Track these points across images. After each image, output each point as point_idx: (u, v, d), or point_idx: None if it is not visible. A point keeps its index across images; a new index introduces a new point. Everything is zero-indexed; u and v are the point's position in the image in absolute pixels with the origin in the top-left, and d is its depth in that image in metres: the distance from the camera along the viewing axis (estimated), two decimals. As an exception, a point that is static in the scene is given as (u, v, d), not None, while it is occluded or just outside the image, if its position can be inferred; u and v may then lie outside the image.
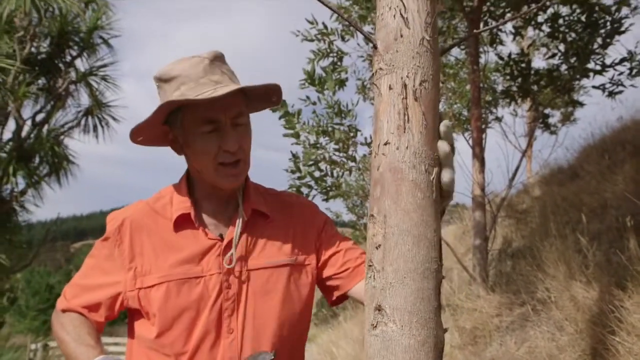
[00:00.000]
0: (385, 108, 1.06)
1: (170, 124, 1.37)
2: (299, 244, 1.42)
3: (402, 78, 1.06)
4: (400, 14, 1.09)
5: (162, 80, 1.35)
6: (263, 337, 1.32)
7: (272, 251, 1.38)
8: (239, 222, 1.37)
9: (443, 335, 1.00)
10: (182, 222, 1.36)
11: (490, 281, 5.36)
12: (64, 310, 1.39)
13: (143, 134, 1.38)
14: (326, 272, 1.43)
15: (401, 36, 1.08)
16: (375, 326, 0.97)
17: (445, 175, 1.05)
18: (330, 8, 1.26)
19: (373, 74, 1.12)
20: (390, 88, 1.06)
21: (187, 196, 1.39)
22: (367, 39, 1.15)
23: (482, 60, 6.53)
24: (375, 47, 1.12)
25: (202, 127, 1.31)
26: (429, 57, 1.08)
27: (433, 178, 1.02)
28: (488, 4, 5.89)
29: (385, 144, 1.04)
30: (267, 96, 1.43)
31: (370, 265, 1.01)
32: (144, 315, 1.34)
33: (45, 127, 7.96)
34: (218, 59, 1.37)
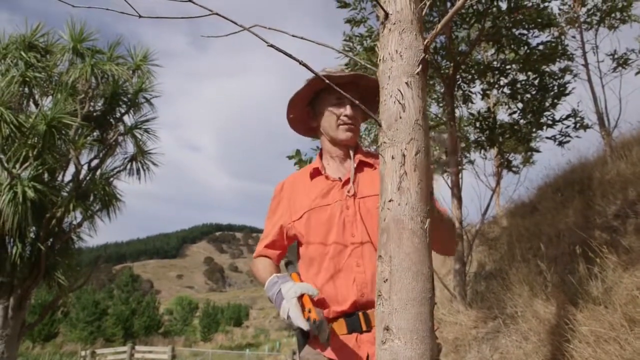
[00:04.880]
0: (389, 173, 1.15)
1: (312, 102, 1.77)
2: None
3: (401, 150, 1.15)
4: (399, 101, 1.20)
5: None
6: (373, 238, 1.57)
7: (374, 186, 1.60)
8: (352, 167, 1.68)
9: (437, 348, 1.07)
10: (314, 175, 1.73)
11: (468, 299, 5.36)
12: (255, 257, 1.78)
13: (293, 112, 1.78)
14: None
15: (400, 118, 1.18)
16: (385, 342, 1.04)
17: None
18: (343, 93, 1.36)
19: (379, 146, 1.22)
20: (392, 158, 1.16)
21: (318, 159, 1.77)
22: (375, 119, 1.26)
23: (457, 114, 6.68)
24: (380, 125, 1.22)
25: (333, 100, 1.70)
26: (422, 133, 1.18)
27: (426, 227, 1.11)
28: (460, 71, 6.07)
29: (390, 200, 1.13)
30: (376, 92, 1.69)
31: (379, 295, 1.09)
32: (300, 239, 1.68)
33: (99, 171, 8.06)
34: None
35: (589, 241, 4.02)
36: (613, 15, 9.96)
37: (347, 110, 1.69)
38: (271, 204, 1.81)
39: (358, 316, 1.53)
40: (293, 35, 1.44)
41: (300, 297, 1.47)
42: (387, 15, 1.32)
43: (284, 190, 1.78)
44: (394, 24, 1.30)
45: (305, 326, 1.41)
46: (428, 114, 1.87)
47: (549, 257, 4.53)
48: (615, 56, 9.70)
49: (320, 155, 1.81)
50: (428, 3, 1.39)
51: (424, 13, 1.37)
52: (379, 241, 1.13)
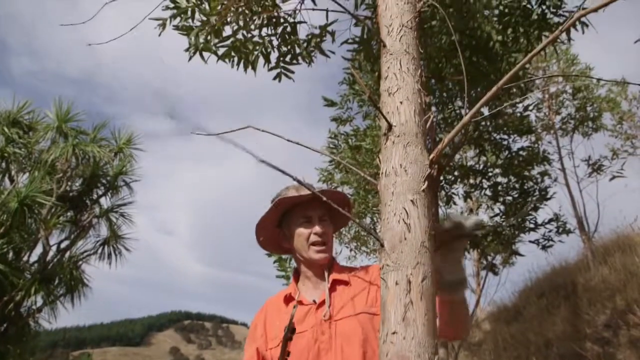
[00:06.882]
0: (392, 300, 1.04)
1: (281, 224, 1.73)
2: (372, 297, 1.57)
3: (406, 275, 1.05)
4: (404, 220, 1.11)
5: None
6: None
7: (350, 306, 1.56)
8: (326, 289, 1.60)
9: None
10: (288, 300, 1.66)
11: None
12: None
13: (263, 235, 1.74)
14: None
15: (405, 239, 1.09)
16: None
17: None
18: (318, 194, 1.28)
19: (381, 268, 1.12)
20: (396, 283, 1.05)
21: (293, 282, 1.72)
22: (376, 238, 1.16)
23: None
24: (382, 245, 1.12)
25: (301, 220, 1.66)
26: (428, 257, 1.09)
27: (435, 367, 0.98)
28: (443, 173, 6.17)
29: (393, 333, 1.00)
30: (342, 205, 1.63)
31: None
32: None
33: (68, 253, 7.74)
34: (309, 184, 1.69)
35: (581, 353, 3.85)
36: (586, 123, 10.52)
37: (316, 228, 1.66)
38: (250, 330, 1.79)
39: None
40: (288, 140, 1.39)
41: None
42: (390, 126, 1.28)
43: (259, 317, 1.75)
44: (398, 136, 1.25)
45: None
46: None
47: (539, 370, 4.31)
48: (590, 162, 10.08)
49: (296, 277, 1.77)
50: (432, 116, 1.36)
51: (427, 126, 1.33)
52: (381, 382, 0.99)
